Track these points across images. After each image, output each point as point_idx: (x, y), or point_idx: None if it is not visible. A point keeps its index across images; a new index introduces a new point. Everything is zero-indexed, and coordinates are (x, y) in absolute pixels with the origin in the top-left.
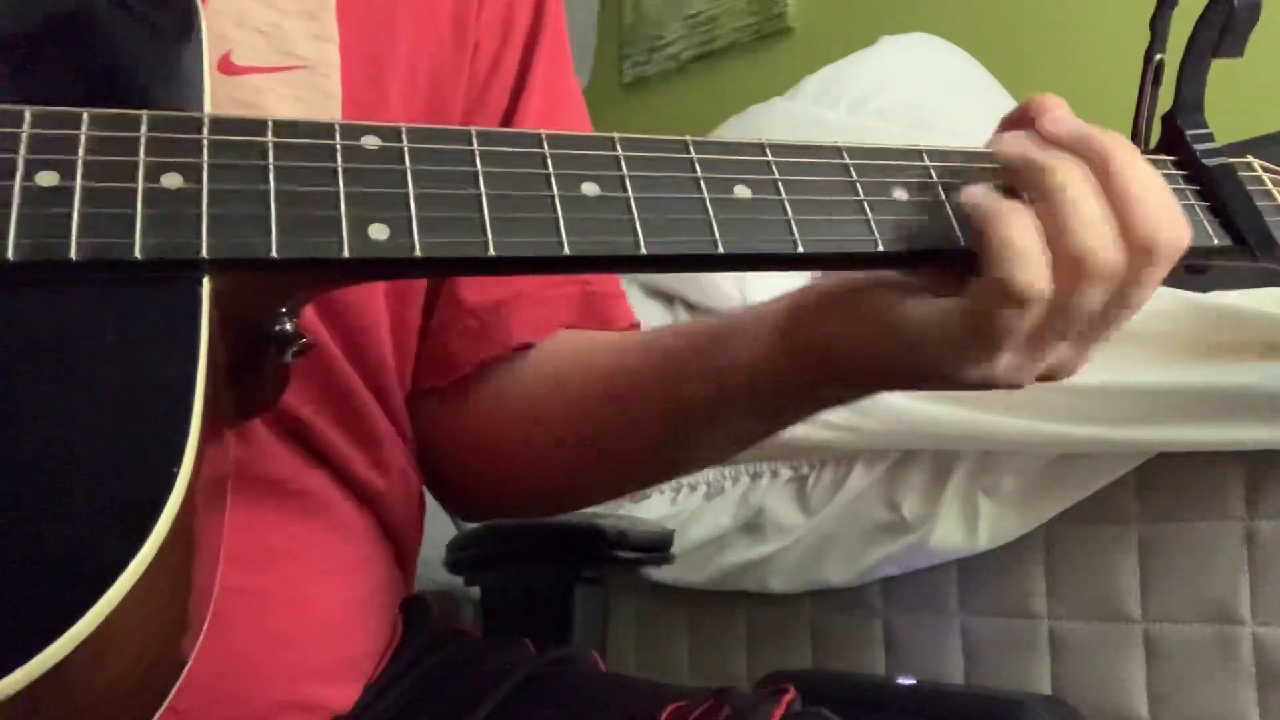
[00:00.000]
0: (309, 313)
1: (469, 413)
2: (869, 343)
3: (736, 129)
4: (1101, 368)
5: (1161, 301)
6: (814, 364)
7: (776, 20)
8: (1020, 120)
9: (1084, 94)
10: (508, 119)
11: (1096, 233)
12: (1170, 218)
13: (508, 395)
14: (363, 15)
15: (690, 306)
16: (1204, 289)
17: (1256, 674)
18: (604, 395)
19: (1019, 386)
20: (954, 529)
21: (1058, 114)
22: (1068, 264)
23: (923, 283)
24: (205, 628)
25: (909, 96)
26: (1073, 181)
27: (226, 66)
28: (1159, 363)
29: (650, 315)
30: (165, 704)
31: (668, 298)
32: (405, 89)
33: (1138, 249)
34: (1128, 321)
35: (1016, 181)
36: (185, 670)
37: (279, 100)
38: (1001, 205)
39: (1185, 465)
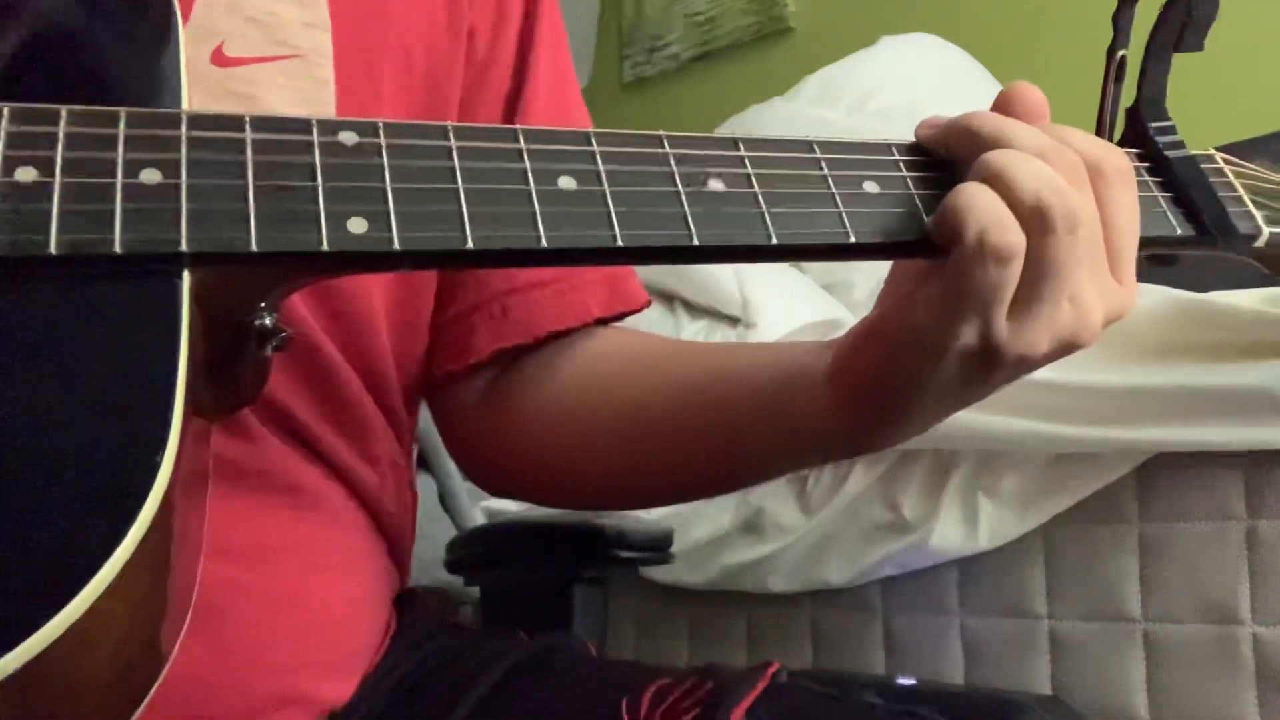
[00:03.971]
0: (296, 300)
1: (498, 399)
2: (897, 357)
3: (737, 129)
4: (1100, 367)
5: (1159, 301)
6: (866, 404)
7: (776, 20)
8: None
9: (1084, 93)
10: (512, 102)
11: (1049, 182)
12: (1102, 144)
13: (541, 387)
14: (353, 2)
15: (689, 306)
16: (1202, 289)
17: (1256, 674)
18: (647, 420)
19: (1033, 359)
20: (954, 529)
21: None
22: (1031, 218)
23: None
24: (186, 622)
25: (909, 96)
26: (1007, 156)
27: (219, 59)
28: (1158, 363)
29: (650, 314)
30: (146, 699)
31: (667, 297)
32: (399, 76)
33: (1097, 174)
34: (1129, 258)
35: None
36: (168, 664)
37: (273, 90)
38: (961, 185)
39: (1185, 465)
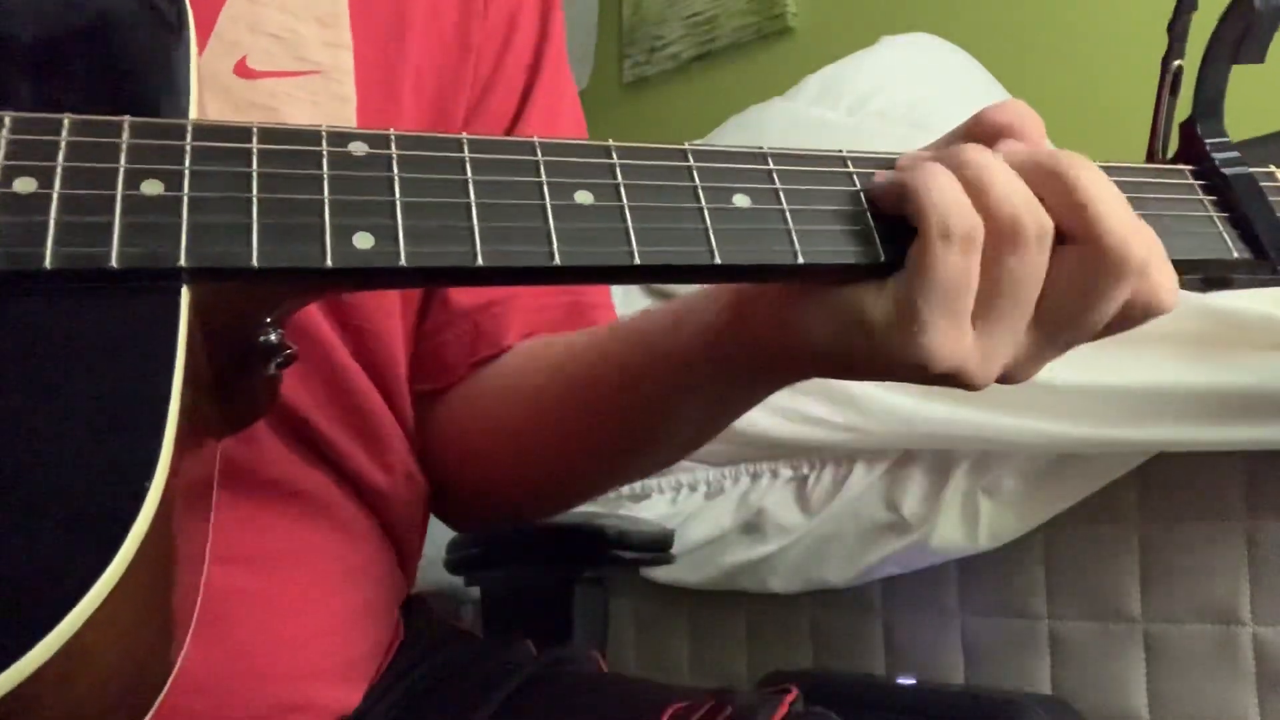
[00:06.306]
0: (315, 312)
1: (452, 417)
2: (820, 325)
3: (737, 129)
4: (1101, 368)
5: None
6: (763, 348)
7: (776, 20)
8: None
9: (1083, 93)
10: (513, 126)
11: (1018, 192)
12: (1102, 180)
13: (472, 400)
14: (374, 22)
15: None
16: (1204, 289)
17: (1256, 674)
18: (561, 399)
19: (977, 380)
20: (954, 529)
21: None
22: (995, 225)
23: None
24: (189, 635)
25: (909, 96)
26: (983, 155)
27: (243, 71)
28: (1159, 363)
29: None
30: (151, 712)
31: (666, 296)
32: (415, 94)
33: (1069, 209)
34: (1085, 320)
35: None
36: (167, 684)
37: (296, 104)
38: (925, 163)
39: (1185, 465)
